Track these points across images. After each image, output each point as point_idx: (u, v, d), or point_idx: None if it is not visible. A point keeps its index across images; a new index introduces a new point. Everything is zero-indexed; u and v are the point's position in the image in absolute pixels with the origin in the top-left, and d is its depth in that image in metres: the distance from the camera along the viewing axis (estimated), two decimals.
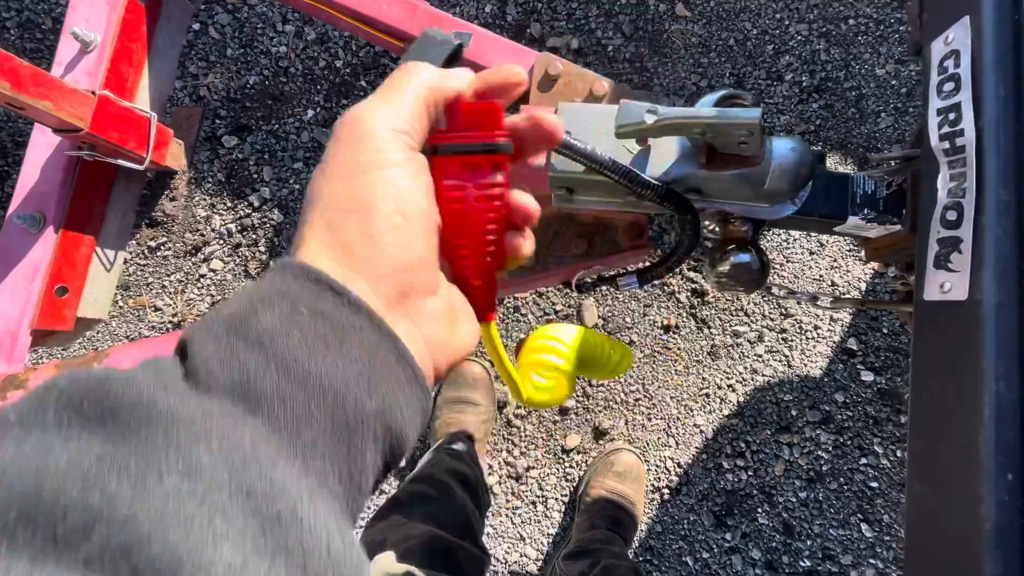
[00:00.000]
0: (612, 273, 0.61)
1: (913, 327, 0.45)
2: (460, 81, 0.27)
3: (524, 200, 0.29)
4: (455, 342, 0.27)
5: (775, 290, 0.73)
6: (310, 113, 1.28)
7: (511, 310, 1.22)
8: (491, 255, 0.28)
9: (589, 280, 0.61)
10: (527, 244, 0.29)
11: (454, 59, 0.28)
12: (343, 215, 0.23)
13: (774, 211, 0.52)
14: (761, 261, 0.56)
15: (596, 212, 0.56)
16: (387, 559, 0.61)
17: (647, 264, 0.60)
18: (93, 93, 0.58)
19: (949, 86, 0.45)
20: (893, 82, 1.27)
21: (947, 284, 0.42)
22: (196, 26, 1.31)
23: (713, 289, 1.23)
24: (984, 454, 0.36)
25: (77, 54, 0.65)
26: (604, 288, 1.19)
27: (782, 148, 0.47)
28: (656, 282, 1.21)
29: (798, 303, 1.20)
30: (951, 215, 0.42)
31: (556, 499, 1.16)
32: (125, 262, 1.24)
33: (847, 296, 1.18)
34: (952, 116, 0.44)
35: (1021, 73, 0.41)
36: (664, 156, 0.49)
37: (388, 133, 0.24)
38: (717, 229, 0.60)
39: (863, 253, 0.61)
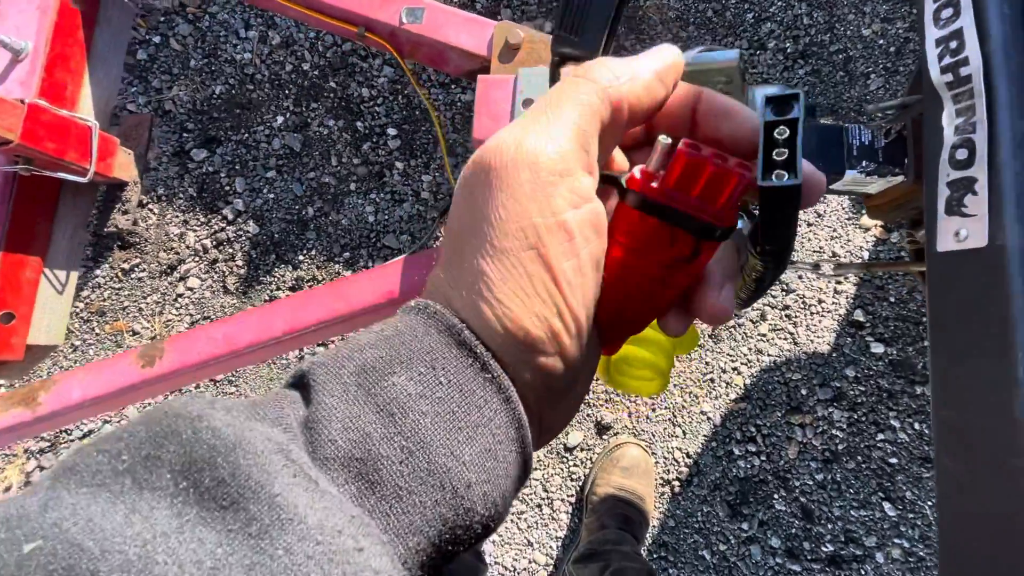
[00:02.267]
0: None
1: (927, 285, 0.40)
2: (652, 80, 0.20)
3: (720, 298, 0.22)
4: (566, 417, 0.23)
5: None
6: (280, 119, 1.24)
7: None
8: (643, 324, 0.23)
9: None
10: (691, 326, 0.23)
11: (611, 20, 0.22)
12: (498, 271, 0.19)
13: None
14: (754, 227, 0.51)
15: None
16: None
17: None
18: (22, 102, 0.54)
19: (947, 12, 0.40)
20: (880, 42, 1.22)
21: (963, 231, 0.37)
22: (157, 39, 1.27)
23: None
24: (1021, 418, 0.31)
25: (8, 64, 0.61)
26: None
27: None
28: None
29: (799, 276, 1.15)
30: (961, 154, 0.38)
31: (562, 500, 1.12)
32: (99, 287, 1.20)
33: (851, 263, 1.13)
34: (953, 44, 0.39)
35: None
36: None
37: (553, 173, 0.19)
38: None
39: (865, 213, 0.56)
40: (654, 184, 0.19)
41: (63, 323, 0.65)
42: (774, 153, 0.19)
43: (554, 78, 0.24)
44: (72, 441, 1.17)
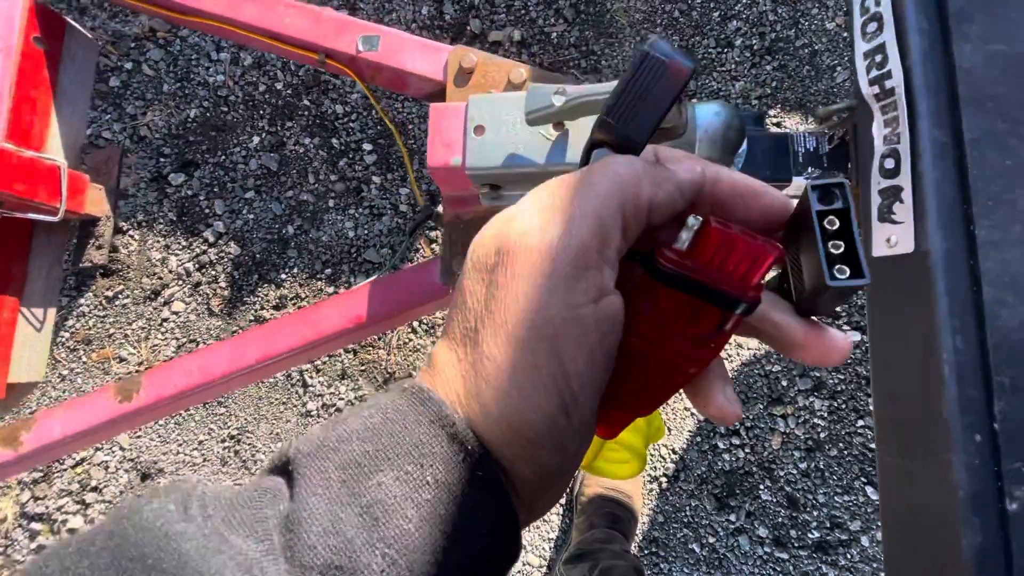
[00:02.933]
0: None
1: (867, 289, 0.42)
2: (679, 185, 0.20)
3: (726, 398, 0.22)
4: (555, 499, 0.22)
5: None
6: (256, 140, 1.25)
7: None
8: (653, 407, 0.23)
9: None
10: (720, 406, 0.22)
11: (679, 96, 0.22)
12: (510, 361, 0.19)
13: None
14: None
15: None
16: None
17: None
18: None
19: (872, 27, 0.42)
20: (845, 34, 1.24)
21: (893, 237, 0.39)
22: (129, 65, 1.27)
23: None
24: (949, 416, 0.33)
25: None
26: None
27: (705, 114, 0.44)
28: None
29: None
30: (889, 163, 0.40)
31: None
32: (83, 316, 1.21)
33: None
34: (879, 58, 0.41)
35: (943, 2, 0.38)
36: (583, 137, 0.45)
37: (575, 266, 0.18)
38: None
39: None
40: (684, 260, 0.19)
41: (43, 359, 0.66)
42: (830, 246, 0.19)
43: (586, 160, 0.23)
44: (65, 471, 1.18)
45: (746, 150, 0.49)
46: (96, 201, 0.66)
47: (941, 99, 0.37)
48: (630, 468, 0.48)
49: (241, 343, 0.54)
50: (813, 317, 0.22)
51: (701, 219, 0.19)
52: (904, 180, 0.38)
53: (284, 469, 0.19)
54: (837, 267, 0.19)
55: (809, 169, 0.51)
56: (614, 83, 0.41)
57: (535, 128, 0.46)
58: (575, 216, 0.19)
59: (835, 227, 0.19)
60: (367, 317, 0.53)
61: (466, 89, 0.56)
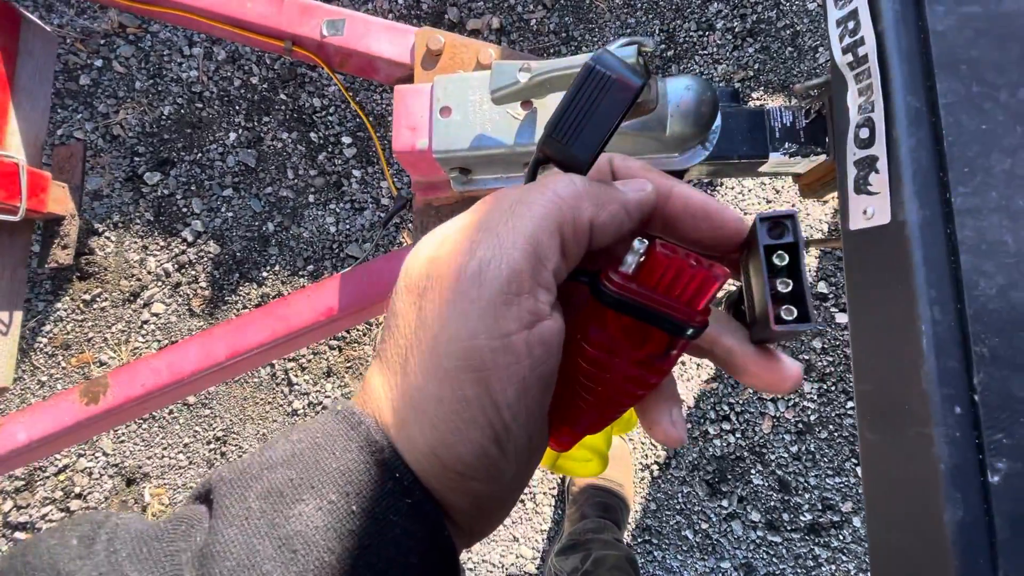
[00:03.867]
0: None
1: (844, 263, 0.41)
2: (625, 205, 0.19)
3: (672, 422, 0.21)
4: (498, 522, 0.22)
5: None
6: (232, 136, 1.23)
7: None
8: (603, 424, 0.22)
9: None
10: (667, 429, 0.21)
11: (627, 112, 0.21)
12: (437, 393, 0.18)
13: (686, 159, 0.48)
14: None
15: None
16: None
17: None
18: None
19: None
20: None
21: (870, 209, 0.38)
22: (99, 62, 1.24)
23: None
24: (927, 388, 0.32)
25: None
26: None
27: (677, 88, 0.43)
28: None
29: None
30: (864, 133, 0.39)
31: (545, 494, 1.13)
32: (61, 320, 1.18)
33: None
34: (851, 25, 0.40)
35: None
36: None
37: (505, 292, 0.17)
38: None
39: (799, 192, 0.57)
40: (630, 284, 0.19)
41: (10, 364, 0.64)
42: (778, 283, 0.19)
43: (532, 177, 0.22)
44: (48, 478, 1.16)
45: (720, 125, 0.48)
46: (60, 200, 0.64)
47: (914, 64, 0.36)
48: (592, 467, 0.48)
49: (209, 339, 0.52)
50: (768, 344, 0.21)
51: (647, 242, 0.19)
52: (879, 149, 0.37)
53: (207, 497, 0.18)
54: (784, 308, 0.18)
55: (786, 144, 0.50)
56: (581, 57, 0.40)
57: (503, 107, 0.44)
58: (507, 239, 0.18)
59: (784, 262, 0.18)
60: (339, 309, 0.51)
61: (434, 72, 0.54)
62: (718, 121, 0.48)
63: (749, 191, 1.19)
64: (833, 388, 1.12)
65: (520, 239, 0.18)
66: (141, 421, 1.17)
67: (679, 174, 0.51)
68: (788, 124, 0.51)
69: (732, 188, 1.19)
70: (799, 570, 1.08)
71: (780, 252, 0.19)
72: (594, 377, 0.20)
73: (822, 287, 1.14)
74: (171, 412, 1.17)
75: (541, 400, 0.19)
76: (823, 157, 0.51)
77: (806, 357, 1.13)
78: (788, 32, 1.23)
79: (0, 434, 0.53)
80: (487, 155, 0.45)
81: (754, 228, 0.20)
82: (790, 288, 0.18)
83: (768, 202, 1.18)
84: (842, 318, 1.13)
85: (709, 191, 1.17)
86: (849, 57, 0.40)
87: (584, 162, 0.20)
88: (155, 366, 0.52)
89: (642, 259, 0.19)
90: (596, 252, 0.20)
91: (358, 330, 1.18)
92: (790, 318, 0.18)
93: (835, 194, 1.17)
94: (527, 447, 0.19)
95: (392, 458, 0.18)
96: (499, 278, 0.17)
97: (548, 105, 0.44)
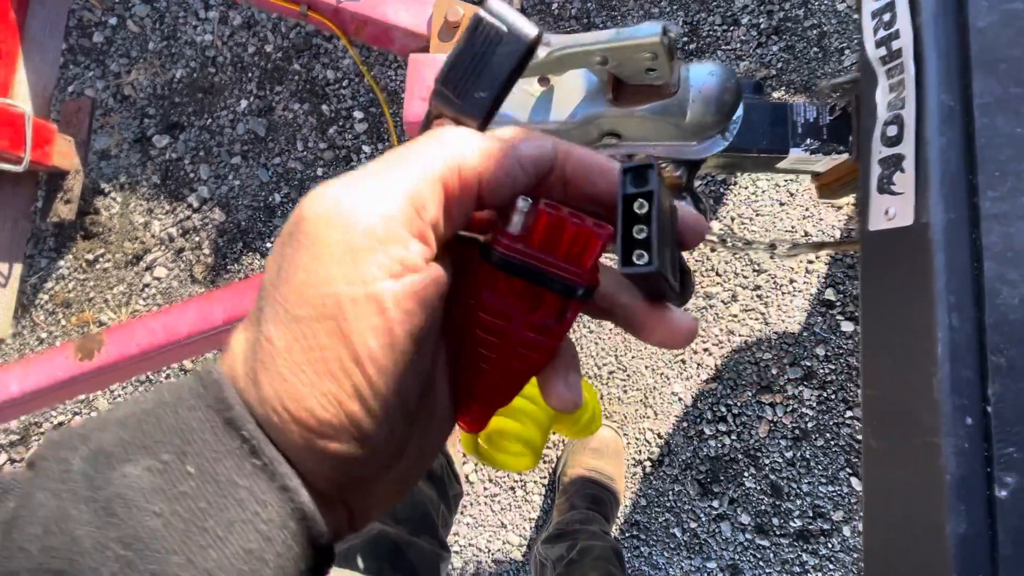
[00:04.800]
0: None
1: (860, 265, 0.40)
2: (519, 160, 0.18)
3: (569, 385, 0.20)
4: (391, 497, 0.20)
5: (730, 241, 0.68)
6: (243, 104, 1.21)
7: None
8: (507, 397, 0.22)
9: None
10: (564, 395, 0.20)
11: (521, 66, 0.20)
12: (285, 341, 0.16)
13: (704, 148, 0.46)
14: (698, 207, 0.50)
15: None
16: None
17: None
18: None
19: None
20: (855, 16, 1.20)
21: (891, 209, 0.37)
22: (113, 20, 1.23)
23: None
24: (939, 397, 0.31)
25: None
26: None
27: (700, 73, 0.42)
28: None
29: (756, 252, 1.15)
30: (891, 131, 0.37)
31: (535, 482, 1.13)
32: (63, 278, 1.18)
33: (808, 241, 1.13)
34: (887, 17, 0.38)
35: None
36: (569, 95, 0.43)
37: (370, 236, 0.16)
38: None
39: (817, 192, 0.55)
40: (516, 244, 0.18)
41: (8, 316, 0.63)
42: (634, 230, 0.18)
43: (425, 129, 0.21)
44: (42, 433, 1.17)
45: (742, 116, 0.47)
46: (65, 154, 0.63)
47: (951, 61, 0.34)
48: (523, 462, 0.46)
49: (208, 302, 0.51)
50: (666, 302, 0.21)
51: (531, 201, 0.18)
52: (907, 148, 0.36)
53: (34, 463, 0.17)
54: (637, 252, 0.18)
55: (808, 140, 0.49)
56: (604, 34, 0.38)
57: (520, 82, 0.43)
58: (383, 185, 0.17)
59: (644, 210, 0.18)
60: None
61: (451, 44, 0.53)
62: (739, 111, 0.46)
63: (763, 192, 1.17)
64: (833, 397, 1.11)
65: (396, 186, 0.17)
66: (138, 383, 1.17)
67: (696, 164, 0.50)
68: (811, 120, 0.49)
69: (745, 188, 1.17)
70: (785, 575, 1.08)
71: (640, 200, 0.18)
72: (490, 345, 0.20)
73: (829, 294, 1.13)
74: (167, 376, 1.17)
75: (417, 360, 0.17)
76: (844, 156, 0.49)
77: (808, 363, 1.12)
78: (815, 32, 1.20)
79: None
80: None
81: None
82: (645, 235, 0.18)
83: (781, 204, 1.17)
84: (848, 326, 1.12)
85: (722, 189, 1.15)
86: (882, 51, 0.38)
87: (476, 118, 0.20)
88: (151, 326, 0.52)
89: (527, 219, 0.18)
90: (496, 218, 0.19)
91: None
92: (640, 262, 0.18)
93: (851, 198, 1.15)
94: (401, 410, 0.18)
95: (240, 416, 0.16)
96: (365, 223, 0.16)
97: (566, 83, 0.43)
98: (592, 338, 1.14)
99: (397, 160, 0.17)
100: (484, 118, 0.20)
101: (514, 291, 0.19)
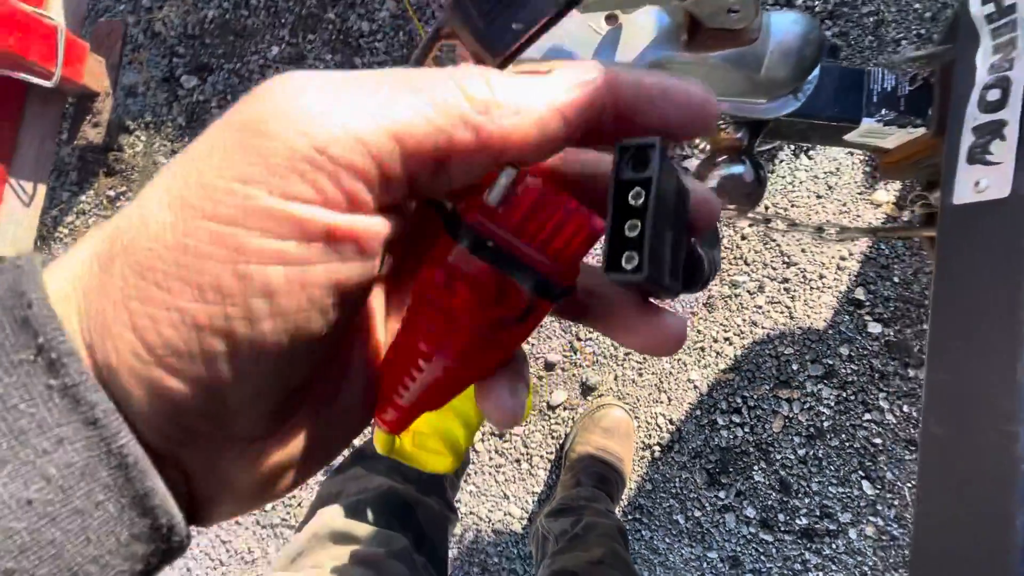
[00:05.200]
0: None
1: (938, 241, 0.37)
2: (558, 113, 0.14)
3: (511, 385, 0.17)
4: (265, 494, 0.16)
5: (775, 223, 0.65)
6: (275, 50, 1.18)
7: None
8: (439, 401, 0.18)
9: None
10: (510, 403, 0.16)
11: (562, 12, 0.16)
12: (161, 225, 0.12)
13: (774, 108, 0.43)
14: (757, 175, 0.47)
15: None
16: (332, 513, 0.56)
17: None
18: None
19: None
20: (916, 5, 1.14)
21: (983, 181, 0.34)
22: None
23: None
24: (1023, 382, 0.29)
25: None
26: None
27: (782, 23, 0.39)
28: None
29: (803, 249, 1.12)
30: (993, 95, 0.34)
31: (541, 456, 1.12)
32: (84, 213, 1.17)
33: (856, 227, 1.09)
34: None
35: None
36: (638, 36, 0.40)
37: (323, 151, 0.12)
38: (704, 144, 0.51)
39: (878, 173, 0.52)
40: (490, 220, 0.15)
41: (30, 236, 0.62)
42: (626, 226, 0.15)
43: (423, 49, 0.17)
44: None
45: (817, 77, 0.43)
46: (96, 74, 0.61)
47: None
48: (443, 462, 0.42)
49: None
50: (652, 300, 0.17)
51: (516, 171, 0.14)
52: (1010, 113, 0.33)
53: None
54: (627, 254, 0.15)
55: (883, 111, 0.46)
56: None
57: (585, 17, 0.40)
58: (370, 102, 0.13)
59: (639, 201, 0.14)
60: None
61: None
62: (816, 71, 0.43)
63: (801, 183, 1.13)
64: (852, 398, 1.08)
65: (385, 110, 0.13)
66: None
67: (759, 125, 0.47)
68: (889, 89, 0.46)
69: (783, 177, 1.13)
70: (786, 571, 1.06)
71: (638, 189, 0.15)
72: (432, 338, 0.16)
73: (859, 293, 1.10)
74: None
75: (324, 318, 0.13)
76: (920, 131, 0.46)
77: (830, 362, 1.09)
78: (871, 19, 1.15)
79: None
80: None
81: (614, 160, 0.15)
82: (637, 233, 0.14)
83: (819, 197, 1.13)
84: (875, 328, 1.09)
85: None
86: (990, 7, 0.35)
87: (500, 53, 0.16)
88: None
89: (508, 191, 0.14)
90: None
91: None
92: (630, 266, 0.14)
93: (891, 196, 1.10)
94: (279, 371, 0.13)
95: (39, 316, 0.12)
96: (324, 133, 0.12)
97: (636, 22, 0.40)
98: None
99: (400, 83, 0.13)
100: (508, 55, 0.16)
101: (476, 276, 0.15)
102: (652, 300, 0.17)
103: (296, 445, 0.16)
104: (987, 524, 0.30)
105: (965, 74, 0.36)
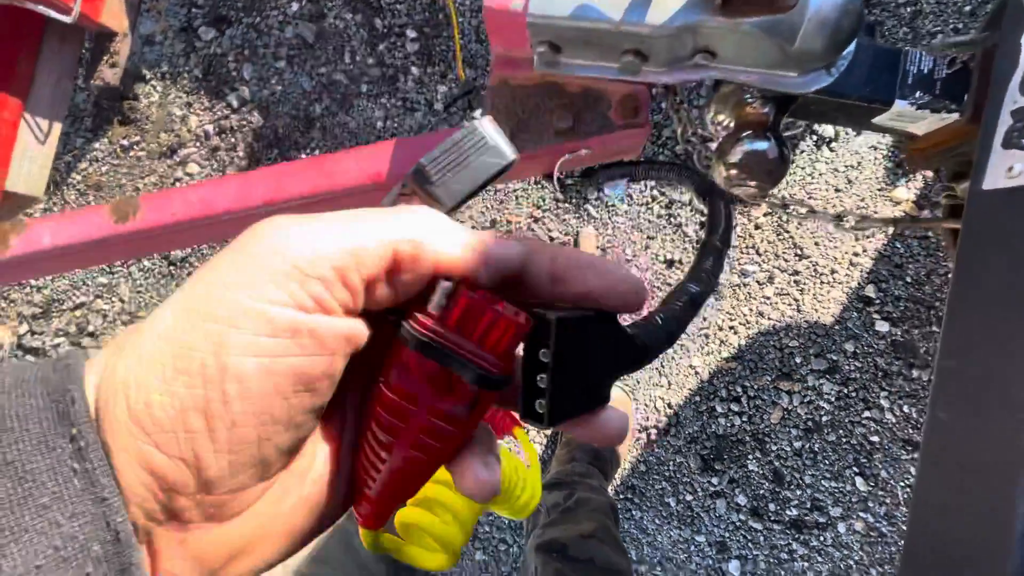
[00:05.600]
0: (598, 166, 0.52)
1: (963, 228, 0.36)
2: (482, 247, 0.18)
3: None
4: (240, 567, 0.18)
5: (793, 208, 0.64)
6: (295, 6, 1.16)
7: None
8: (404, 493, 0.20)
9: (571, 178, 0.53)
10: (476, 478, 0.19)
11: (496, 176, 0.22)
12: (141, 338, 0.16)
13: (805, 82, 0.42)
14: (781, 152, 0.46)
15: (586, 81, 0.47)
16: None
17: (638, 159, 0.51)
18: None
19: None
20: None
21: (1018, 166, 0.33)
22: None
23: (722, 186, 1.14)
24: None
25: None
26: (596, 201, 1.10)
27: None
28: (663, 213, 1.11)
29: (816, 242, 1.10)
30: None
31: (537, 431, 1.13)
32: (97, 160, 1.17)
33: (877, 216, 1.07)
34: None
35: None
36: None
37: (295, 265, 0.16)
38: (730, 122, 0.50)
39: (905, 161, 0.51)
40: (434, 325, 0.18)
41: (44, 175, 0.62)
42: (537, 379, 0.18)
43: (394, 199, 0.23)
44: (64, 311, 1.18)
45: (852, 54, 0.42)
46: (115, 14, 0.60)
47: None
48: (436, 559, 0.43)
49: (248, 181, 0.49)
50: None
51: (452, 283, 0.18)
52: None
53: None
54: (539, 400, 0.19)
55: (918, 93, 0.44)
56: None
57: None
58: (332, 229, 0.17)
59: (546, 361, 0.18)
60: (387, 176, 0.48)
61: None
62: (851, 47, 0.42)
63: (820, 175, 1.11)
64: (853, 395, 1.08)
65: (344, 234, 0.17)
66: (160, 276, 1.18)
67: (787, 101, 0.45)
68: (925, 72, 0.44)
69: (802, 168, 1.11)
70: (771, 560, 1.08)
71: (544, 349, 0.18)
72: (393, 429, 0.18)
73: (870, 290, 1.08)
74: (189, 274, 1.17)
75: (292, 406, 0.16)
76: (954, 117, 0.45)
77: (834, 357, 1.08)
78: (908, 10, 1.11)
79: (27, 234, 0.52)
80: (587, 28, 0.40)
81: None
82: (544, 385, 0.18)
83: (837, 191, 1.11)
84: (883, 326, 1.08)
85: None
86: None
87: (447, 204, 0.21)
88: (189, 198, 0.50)
89: (447, 299, 0.18)
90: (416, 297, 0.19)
91: None
92: (541, 411, 0.18)
93: (911, 194, 1.08)
94: (252, 453, 0.16)
95: (78, 412, 0.15)
96: (296, 252, 0.16)
97: None
98: None
99: (358, 215, 0.17)
100: (453, 206, 0.21)
101: (426, 373, 0.18)
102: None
103: (262, 526, 0.18)
104: (988, 510, 0.30)
105: (1009, 56, 0.35)
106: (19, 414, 0.15)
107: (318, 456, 0.19)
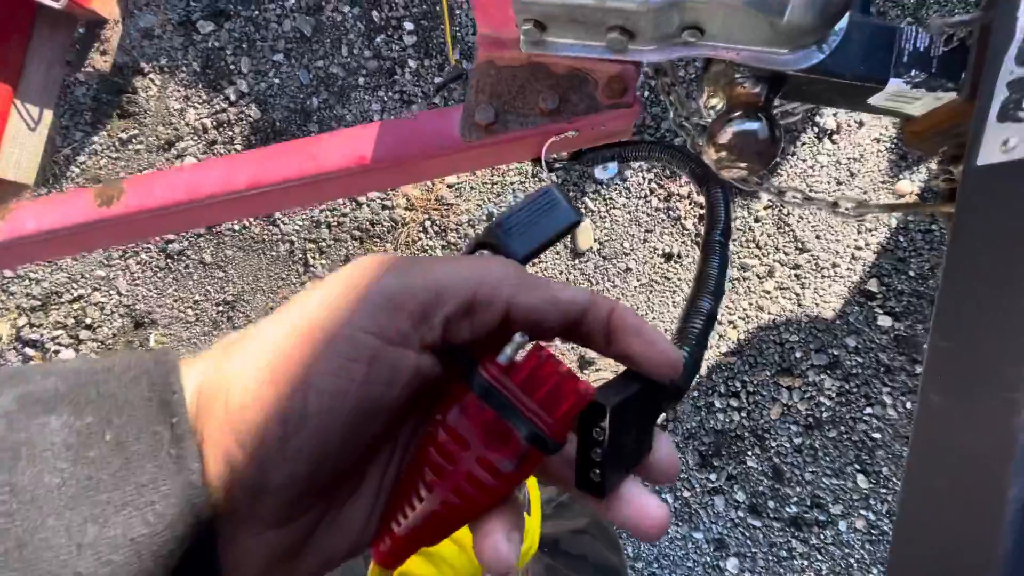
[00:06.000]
0: (587, 148, 0.51)
1: (957, 205, 0.35)
2: (553, 298, 0.19)
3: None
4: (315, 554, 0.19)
5: (789, 195, 0.63)
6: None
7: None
8: (432, 536, 0.20)
9: (560, 160, 0.52)
10: (501, 547, 0.19)
11: (563, 235, 0.24)
12: (244, 349, 0.18)
13: (795, 60, 0.41)
14: (772, 133, 0.45)
15: (573, 62, 0.46)
16: None
17: (627, 140, 0.50)
18: None
19: None
20: None
21: (1012, 140, 0.32)
22: None
23: (712, 168, 1.13)
24: None
25: None
26: (593, 194, 1.09)
27: None
28: (662, 206, 1.10)
29: (817, 236, 1.09)
30: None
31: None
32: (95, 154, 1.17)
33: (873, 203, 1.06)
34: None
35: None
36: None
37: (379, 299, 0.18)
38: (720, 104, 0.49)
39: (904, 141, 0.50)
40: (501, 375, 0.18)
41: (35, 163, 0.62)
42: (592, 451, 0.19)
43: (471, 247, 0.24)
44: (62, 304, 1.19)
45: (844, 31, 0.41)
46: (105, 0, 0.60)
47: None
48: None
49: (233, 164, 0.49)
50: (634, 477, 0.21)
51: (527, 338, 0.19)
52: None
53: None
54: (594, 471, 0.19)
55: (913, 71, 0.43)
56: None
57: None
58: (423, 269, 0.19)
59: (601, 438, 0.19)
60: (371, 159, 0.47)
61: None
62: (844, 22, 0.41)
63: (822, 167, 1.09)
64: (855, 390, 1.06)
65: (431, 274, 0.18)
66: (157, 269, 1.18)
67: (779, 80, 0.44)
68: (921, 49, 0.43)
69: (803, 160, 1.09)
70: (771, 558, 1.06)
71: (599, 427, 0.19)
72: (438, 469, 0.19)
73: (872, 285, 1.07)
74: (186, 267, 1.17)
75: (353, 422, 0.17)
76: (951, 96, 0.43)
77: (835, 352, 1.07)
78: (912, 0, 1.09)
79: (10, 219, 0.52)
80: (574, 6, 0.39)
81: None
82: (599, 459, 0.19)
83: (839, 183, 1.09)
84: (885, 321, 1.06)
85: (777, 159, 1.08)
86: None
87: (519, 256, 0.22)
88: (173, 181, 0.50)
89: (520, 355, 0.19)
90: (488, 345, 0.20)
91: (383, 226, 1.15)
92: (596, 479, 0.19)
93: (913, 187, 1.07)
94: (311, 465, 0.17)
95: (178, 402, 0.17)
96: (391, 284, 0.18)
97: None
98: (615, 292, 1.11)
99: (447, 260, 0.19)
100: (524, 257, 0.23)
101: (483, 420, 0.18)
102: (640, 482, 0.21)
103: (300, 543, 0.19)
104: (977, 496, 0.29)
105: (1005, 27, 0.34)
106: (129, 400, 0.16)
107: (365, 484, 0.20)
